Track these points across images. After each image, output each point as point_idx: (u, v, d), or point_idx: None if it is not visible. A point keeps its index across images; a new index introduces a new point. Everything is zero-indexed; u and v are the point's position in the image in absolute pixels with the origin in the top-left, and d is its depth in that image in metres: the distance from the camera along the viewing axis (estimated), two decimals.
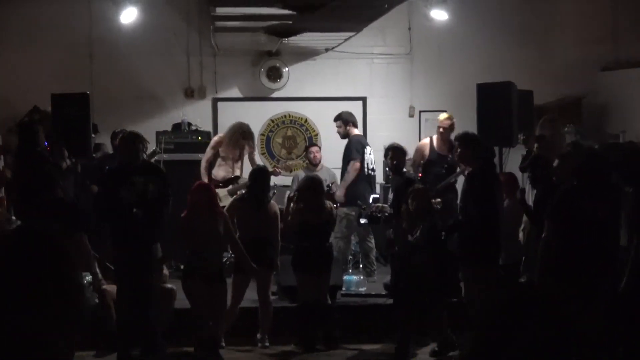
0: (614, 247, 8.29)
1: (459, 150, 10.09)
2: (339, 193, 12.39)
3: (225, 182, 12.36)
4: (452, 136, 11.78)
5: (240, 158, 12.47)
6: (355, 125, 12.92)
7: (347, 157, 12.58)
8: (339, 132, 12.89)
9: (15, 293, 2.51)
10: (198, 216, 9.55)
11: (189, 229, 9.55)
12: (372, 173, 12.73)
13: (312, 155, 13.51)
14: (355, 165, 12.47)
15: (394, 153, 11.07)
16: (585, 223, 8.19)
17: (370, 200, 12.41)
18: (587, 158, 8.72)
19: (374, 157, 12.76)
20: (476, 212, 9.52)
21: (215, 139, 12.69)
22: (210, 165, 12.46)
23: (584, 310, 8.26)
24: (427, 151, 12.30)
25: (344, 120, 12.80)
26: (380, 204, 11.61)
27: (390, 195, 11.54)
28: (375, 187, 12.88)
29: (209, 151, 12.46)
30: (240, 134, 12.34)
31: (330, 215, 10.49)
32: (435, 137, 12.42)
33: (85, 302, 9.30)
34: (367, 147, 12.70)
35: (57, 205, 9.14)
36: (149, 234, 9.54)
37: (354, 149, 12.58)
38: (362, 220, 12.25)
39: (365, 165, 12.53)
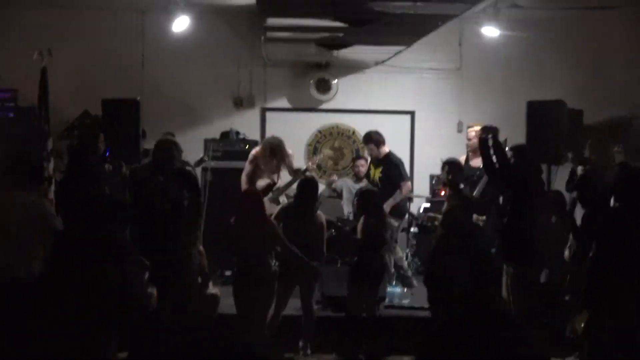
0: None
1: (512, 160, 10.11)
2: (386, 208, 12.37)
3: (264, 191, 12.36)
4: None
5: (278, 169, 12.39)
6: (385, 143, 12.86)
7: (395, 177, 12.55)
8: (372, 154, 12.93)
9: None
10: (247, 223, 9.60)
11: (237, 235, 9.61)
12: None
13: (357, 169, 13.56)
14: (407, 185, 12.54)
15: (451, 168, 11.07)
16: (630, 244, 8.14)
17: (421, 210, 12.44)
18: (632, 179, 8.67)
19: None
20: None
21: (252, 152, 12.61)
22: (251, 178, 12.37)
23: (629, 334, 8.24)
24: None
25: (376, 142, 12.76)
26: (432, 214, 11.62)
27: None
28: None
29: (247, 166, 12.35)
30: (270, 151, 12.22)
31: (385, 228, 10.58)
32: (469, 153, 12.41)
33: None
34: None
35: (105, 203, 9.19)
36: (184, 240, 9.55)
37: (402, 169, 12.64)
38: (413, 229, 12.25)
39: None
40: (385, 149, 12.78)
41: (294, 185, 11.29)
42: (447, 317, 2.36)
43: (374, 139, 12.77)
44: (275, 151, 12.19)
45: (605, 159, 11.07)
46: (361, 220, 10.47)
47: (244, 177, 12.25)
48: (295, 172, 12.18)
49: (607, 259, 8.28)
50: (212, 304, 10.12)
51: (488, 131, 10.83)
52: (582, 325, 8.55)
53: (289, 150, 12.44)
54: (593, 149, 11.15)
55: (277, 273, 9.78)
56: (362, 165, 13.56)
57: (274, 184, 12.06)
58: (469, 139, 12.47)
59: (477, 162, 12.07)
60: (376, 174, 12.69)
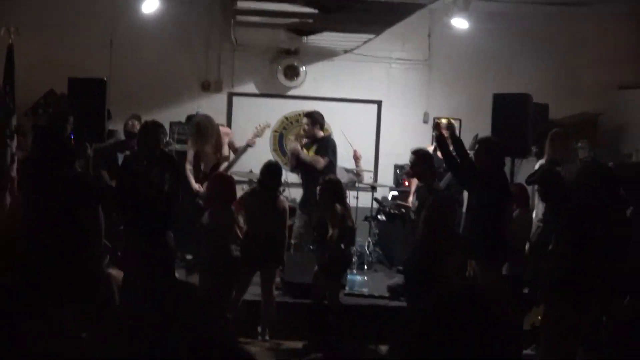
0: (622, 266, 8.26)
1: (476, 149, 10.11)
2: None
3: (211, 171, 12.21)
4: None
5: (217, 150, 12.30)
6: (322, 128, 12.72)
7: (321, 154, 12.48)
8: (305, 132, 12.68)
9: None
10: (217, 207, 9.63)
11: (209, 219, 9.65)
12: None
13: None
14: (322, 161, 12.39)
15: (418, 158, 11.01)
16: (590, 239, 8.18)
17: (389, 198, 12.44)
18: (595, 176, 8.71)
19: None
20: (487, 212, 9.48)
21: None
22: (195, 162, 12.25)
23: (593, 326, 8.31)
24: None
25: (313, 121, 12.57)
26: (400, 202, 11.63)
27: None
28: None
29: (189, 159, 12.35)
30: (207, 129, 12.22)
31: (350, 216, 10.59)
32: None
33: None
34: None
35: (77, 180, 9.13)
36: (164, 224, 9.55)
37: (332, 152, 12.51)
38: (381, 218, 12.26)
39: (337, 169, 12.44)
40: (320, 132, 12.65)
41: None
42: (435, 309, 2.29)
43: (313, 116, 12.63)
44: (199, 127, 12.16)
45: (565, 154, 11.15)
46: (332, 209, 10.37)
47: (187, 167, 12.13)
48: (235, 150, 12.22)
49: (568, 253, 8.33)
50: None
51: (437, 127, 10.78)
52: (539, 318, 8.61)
53: (226, 129, 12.47)
54: (553, 143, 11.23)
55: (239, 258, 9.79)
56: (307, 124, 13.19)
57: (218, 163, 12.07)
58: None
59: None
60: (310, 153, 12.61)
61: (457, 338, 2.17)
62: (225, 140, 12.44)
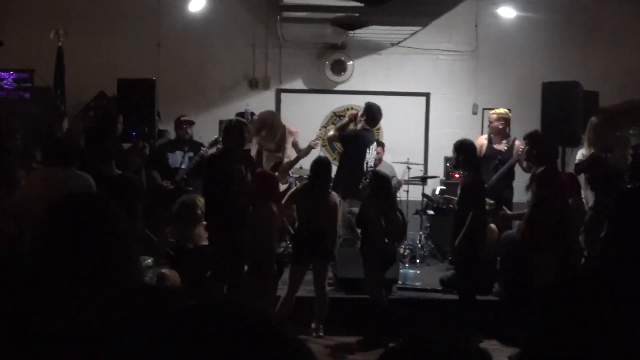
0: None
1: (526, 148, 10.09)
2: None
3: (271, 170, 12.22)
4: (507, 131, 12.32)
5: (280, 149, 12.30)
6: (377, 121, 12.50)
7: None
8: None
9: (67, 259, 2.54)
10: (262, 205, 9.67)
11: (253, 218, 9.71)
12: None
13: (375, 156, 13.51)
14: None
15: (461, 149, 10.99)
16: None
17: (437, 192, 12.42)
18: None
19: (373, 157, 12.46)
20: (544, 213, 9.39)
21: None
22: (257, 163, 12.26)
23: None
24: (484, 148, 12.18)
25: (374, 115, 12.27)
26: (448, 196, 11.60)
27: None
28: None
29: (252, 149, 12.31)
30: (259, 123, 12.27)
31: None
32: (492, 135, 12.38)
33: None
34: (373, 146, 12.30)
35: (115, 179, 9.21)
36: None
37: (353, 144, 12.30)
38: (430, 212, 12.25)
39: (365, 163, 12.29)
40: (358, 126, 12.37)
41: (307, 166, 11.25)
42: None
43: (376, 111, 12.33)
44: (265, 123, 12.17)
45: (608, 141, 11.01)
46: (371, 203, 10.37)
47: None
48: (299, 150, 12.20)
49: (619, 241, 8.26)
50: None
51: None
52: None
53: (293, 128, 12.44)
54: (593, 131, 11.09)
55: (289, 255, 9.82)
56: (379, 152, 13.35)
57: (280, 162, 12.02)
58: (491, 122, 12.43)
59: (499, 146, 12.10)
60: None
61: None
62: (290, 139, 12.40)
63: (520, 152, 11.26)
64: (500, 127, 12.30)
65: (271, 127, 12.12)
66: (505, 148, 12.11)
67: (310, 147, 12.06)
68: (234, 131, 10.10)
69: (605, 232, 8.38)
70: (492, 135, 12.33)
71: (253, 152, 12.05)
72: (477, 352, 1.83)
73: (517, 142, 12.02)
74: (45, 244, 2.63)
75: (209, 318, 1.58)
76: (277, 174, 11.06)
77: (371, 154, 12.15)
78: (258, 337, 1.59)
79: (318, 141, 12.43)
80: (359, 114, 12.18)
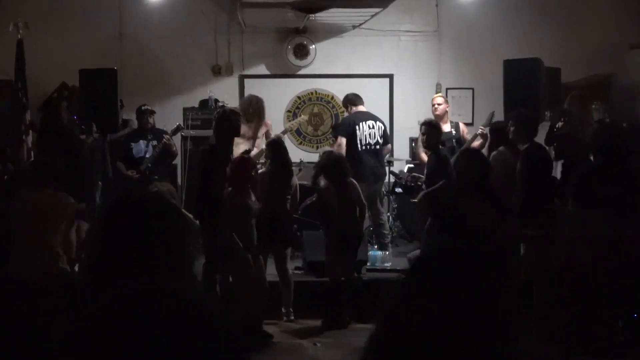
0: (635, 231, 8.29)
1: (512, 128, 10.11)
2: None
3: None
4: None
5: (253, 137, 12.29)
6: (355, 104, 12.88)
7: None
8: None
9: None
10: (239, 191, 9.57)
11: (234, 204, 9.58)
12: (369, 147, 12.59)
13: None
14: (338, 143, 12.57)
15: (428, 128, 11.13)
16: (607, 199, 8.20)
17: (405, 170, 12.49)
18: (610, 135, 8.74)
19: (376, 132, 12.68)
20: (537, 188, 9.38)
21: None
22: None
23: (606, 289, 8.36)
24: None
25: (344, 103, 13.10)
26: (415, 174, 11.67)
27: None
28: (381, 160, 12.81)
29: None
30: (256, 111, 12.27)
31: (357, 192, 10.53)
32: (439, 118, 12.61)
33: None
34: (363, 123, 12.61)
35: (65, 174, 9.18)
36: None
37: (340, 129, 12.82)
38: (398, 191, 12.33)
39: (358, 142, 12.52)
40: (352, 109, 12.84)
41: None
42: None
43: (348, 98, 12.97)
44: (261, 112, 12.19)
45: (583, 115, 11.11)
46: (330, 186, 10.43)
47: None
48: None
49: (583, 215, 8.37)
50: None
51: None
52: None
53: (268, 120, 12.46)
54: (572, 104, 11.17)
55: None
56: None
57: (250, 150, 11.98)
58: (439, 104, 12.69)
59: (445, 127, 12.29)
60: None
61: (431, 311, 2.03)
62: (264, 130, 12.39)
63: (480, 132, 11.90)
64: (447, 110, 12.81)
65: (259, 113, 12.13)
66: (454, 131, 12.52)
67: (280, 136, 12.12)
68: (228, 121, 10.13)
69: (571, 206, 8.48)
70: (435, 118, 12.49)
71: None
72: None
73: (461, 125, 12.53)
74: (107, 247, 2.58)
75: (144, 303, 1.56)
76: None
77: (363, 131, 12.54)
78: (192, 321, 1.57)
79: (282, 135, 12.46)
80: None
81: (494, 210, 8.57)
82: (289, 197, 10.27)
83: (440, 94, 13.33)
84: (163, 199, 2.78)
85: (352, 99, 12.92)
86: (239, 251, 9.42)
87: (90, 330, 1.52)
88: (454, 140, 12.24)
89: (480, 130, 11.96)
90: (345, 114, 13.06)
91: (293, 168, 11.09)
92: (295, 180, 10.53)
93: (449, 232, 8.71)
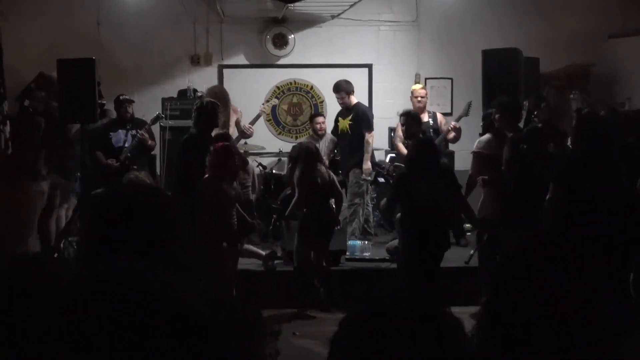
0: (617, 216, 8.35)
1: (497, 116, 10.08)
2: (366, 166, 12.47)
3: None
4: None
5: (226, 126, 12.18)
6: (353, 92, 13.02)
7: (364, 126, 12.69)
8: (343, 103, 12.99)
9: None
10: (219, 178, 9.45)
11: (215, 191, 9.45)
12: None
13: (317, 126, 13.56)
14: (372, 136, 12.65)
15: (407, 119, 11.18)
16: (589, 187, 8.25)
17: (387, 160, 12.53)
18: (588, 124, 8.80)
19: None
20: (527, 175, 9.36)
21: None
22: None
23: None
24: None
25: (346, 91, 12.92)
26: (397, 164, 11.70)
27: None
28: None
29: None
30: (222, 101, 12.13)
31: (327, 179, 10.52)
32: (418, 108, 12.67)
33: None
34: None
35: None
36: None
37: (371, 119, 12.90)
38: (381, 180, 12.37)
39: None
40: (354, 99, 12.88)
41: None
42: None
43: (343, 87, 12.89)
44: (223, 96, 12.08)
45: (562, 105, 11.17)
46: (297, 172, 10.46)
47: None
48: (242, 131, 12.17)
49: (566, 203, 8.41)
50: None
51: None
52: None
53: (235, 107, 12.38)
54: (550, 95, 11.23)
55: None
56: (322, 122, 13.58)
57: (227, 134, 11.93)
58: (422, 97, 12.74)
59: (424, 117, 12.38)
60: (345, 123, 12.79)
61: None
62: (234, 118, 12.34)
63: (453, 126, 12.10)
64: (427, 101, 12.93)
65: (225, 103, 12.05)
66: (432, 121, 12.60)
67: (248, 130, 12.09)
68: (208, 113, 10.11)
69: (551, 194, 8.52)
70: (415, 110, 12.54)
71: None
72: (444, 315, 1.82)
73: (439, 116, 12.70)
74: (101, 237, 2.55)
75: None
76: None
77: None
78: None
79: (251, 127, 12.44)
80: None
81: (442, 185, 9.15)
82: (249, 185, 10.28)
83: (421, 86, 13.29)
84: (158, 190, 2.77)
85: (352, 88, 13.07)
86: (217, 239, 9.38)
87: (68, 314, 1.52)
88: (431, 130, 12.29)
89: (453, 124, 12.09)
90: (326, 105, 13.00)
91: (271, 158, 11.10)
92: (252, 167, 10.57)
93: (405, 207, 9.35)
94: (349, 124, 12.78)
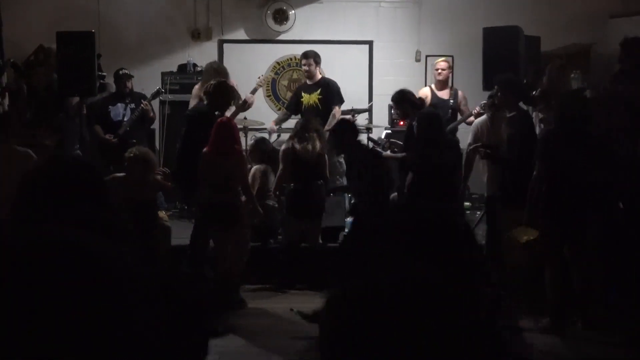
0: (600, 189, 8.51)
1: (499, 94, 10.04)
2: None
3: None
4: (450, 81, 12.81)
5: None
6: (320, 66, 12.85)
7: (334, 101, 12.54)
8: (308, 72, 12.76)
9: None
10: (222, 153, 9.47)
11: (213, 166, 9.47)
12: None
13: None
14: (340, 110, 12.51)
15: (405, 99, 11.15)
16: (567, 165, 8.40)
17: (383, 136, 12.49)
18: (567, 102, 8.95)
19: None
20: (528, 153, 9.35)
21: (196, 87, 12.46)
22: None
23: (573, 253, 8.53)
24: (428, 99, 12.23)
25: (315, 60, 12.69)
26: (394, 140, 11.68)
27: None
28: None
29: (192, 102, 12.21)
30: (214, 72, 12.10)
31: (316, 155, 10.50)
32: (434, 85, 12.53)
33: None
34: None
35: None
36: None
37: (341, 94, 12.70)
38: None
39: None
40: (319, 73, 12.79)
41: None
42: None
43: (313, 55, 12.72)
44: (221, 71, 12.06)
45: (562, 84, 11.14)
46: (283, 146, 10.58)
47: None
48: (241, 104, 12.06)
49: (549, 180, 8.55)
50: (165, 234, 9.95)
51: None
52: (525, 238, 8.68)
53: (233, 80, 12.29)
54: (552, 71, 11.19)
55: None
56: (310, 65, 13.16)
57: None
58: (443, 69, 12.57)
59: (444, 94, 12.26)
60: (313, 97, 12.64)
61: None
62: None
63: (478, 110, 11.35)
64: (449, 75, 12.74)
65: (225, 76, 12.02)
66: (452, 100, 12.37)
67: (246, 102, 11.97)
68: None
69: (536, 171, 8.67)
70: (435, 84, 12.47)
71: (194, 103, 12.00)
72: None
73: (460, 93, 12.30)
74: (32, 206, 2.61)
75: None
76: None
77: None
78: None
79: (253, 97, 12.34)
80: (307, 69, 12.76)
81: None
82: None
83: (444, 59, 13.02)
84: (89, 163, 2.88)
85: (320, 61, 12.84)
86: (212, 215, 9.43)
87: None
88: (449, 109, 12.16)
89: (477, 110, 11.63)
90: (319, 73, 12.82)
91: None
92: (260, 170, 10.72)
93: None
94: (319, 98, 12.58)
